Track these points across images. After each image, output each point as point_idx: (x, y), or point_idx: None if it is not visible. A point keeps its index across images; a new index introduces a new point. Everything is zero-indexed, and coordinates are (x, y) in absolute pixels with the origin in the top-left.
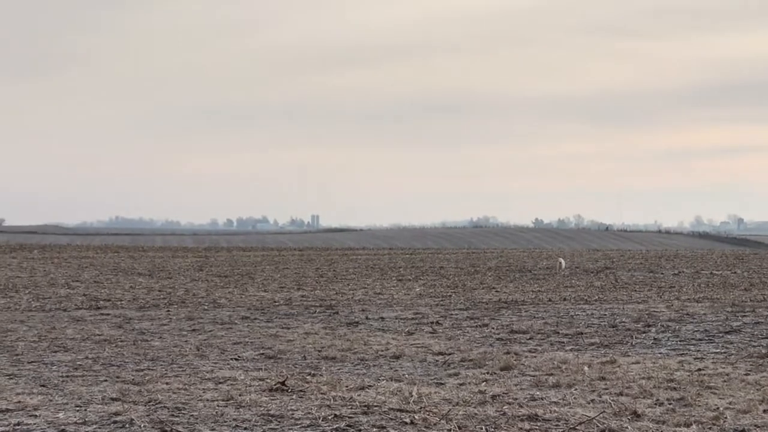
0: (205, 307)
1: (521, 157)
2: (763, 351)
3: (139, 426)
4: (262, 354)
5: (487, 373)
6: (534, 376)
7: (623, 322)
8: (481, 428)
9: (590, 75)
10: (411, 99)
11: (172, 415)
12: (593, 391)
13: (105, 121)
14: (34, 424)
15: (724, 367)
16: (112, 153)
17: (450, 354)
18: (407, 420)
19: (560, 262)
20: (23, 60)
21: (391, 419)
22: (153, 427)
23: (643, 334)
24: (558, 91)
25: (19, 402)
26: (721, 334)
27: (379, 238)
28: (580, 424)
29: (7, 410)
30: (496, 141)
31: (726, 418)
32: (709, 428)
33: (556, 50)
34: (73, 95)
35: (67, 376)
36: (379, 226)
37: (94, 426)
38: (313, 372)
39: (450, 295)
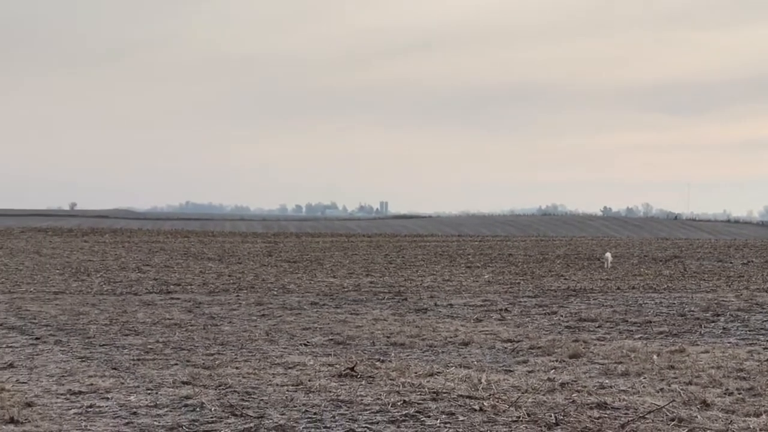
0: (275, 293)
1: (591, 145)
2: None
3: (210, 409)
4: (331, 340)
5: (556, 360)
6: (603, 364)
7: (692, 311)
8: (550, 416)
9: (662, 64)
10: (483, 86)
11: (242, 399)
12: (662, 380)
13: (177, 107)
14: (107, 406)
15: None
16: (184, 138)
17: (519, 341)
18: (476, 407)
19: (606, 257)
20: (96, 45)
21: (460, 406)
22: (223, 411)
23: (712, 324)
24: (629, 80)
25: (92, 384)
26: None
27: (448, 225)
28: (650, 413)
29: (80, 392)
30: (565, 129)
31: None
32: None
33: (627, 39)
34: (145, 80)
35: (139, 360)
36: (447, 213)
37: (166, 409)
38: (382, 358)
39: (519, 283)
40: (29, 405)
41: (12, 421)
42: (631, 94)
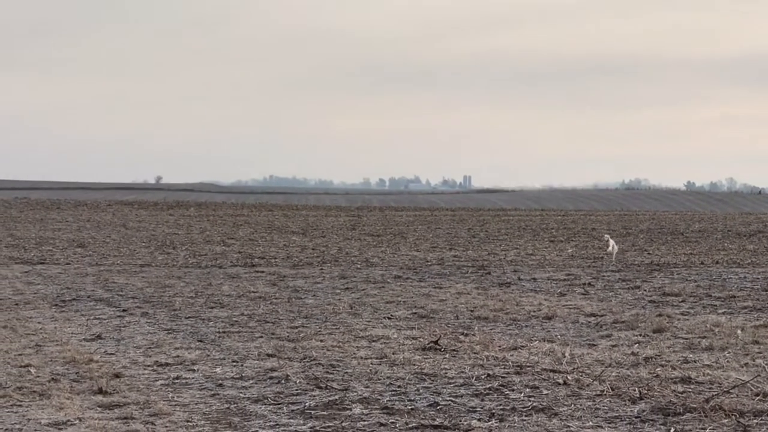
0: (358, 266)
1: (674, 119)
2: None
3: (295, 382)
4: (415, 313)
5: (640, 335)
6: (686, 338)
7: None
8: (634, 390)
9: (749, 36)
10: (567, 60)
11: (327, 372)
12: (746, 354)
13: (260, 80)
14: (193, 378)
15: None
16: (267, 112)
17: (602, 315)
18: (560, 380)
19: (608, 241)
20: (181, 17)
21: (544, 380)
22: (308, 383)
23: None
24: (715, 52)
25: (178, 356)
26: None
27: (531, 200)
28: (734, 387)
29: (167, 364)
30: (649, 102)
31: None
32: None
33: (714, 10)
34: (228, 53)
35: (224, 332)
36: (530, 187)
37: (251, 381)
38: (465, 331)
39: (602, 257)
40: (117, 376)
41: (101, 391)
42: (717, 66)
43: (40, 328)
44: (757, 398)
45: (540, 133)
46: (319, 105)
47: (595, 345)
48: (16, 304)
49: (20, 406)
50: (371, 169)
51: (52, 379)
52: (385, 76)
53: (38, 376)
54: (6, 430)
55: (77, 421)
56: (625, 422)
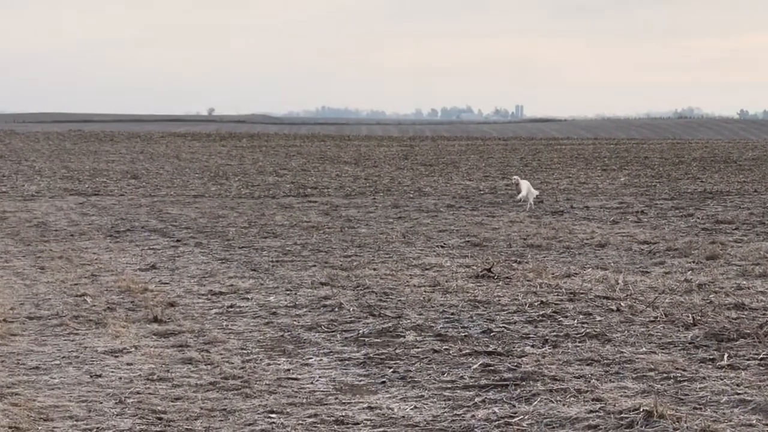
0: (411, 195)
1: (728, 47)
2: None
3: (348, 310)
4: (468, 241)
5: (693, 262)
6: (740, 265)
7: None
8: (688, 316)
9: None
10: None
11: (380, 300)
12: None
13: (312, 11)
14: (247, 306)
15: None
16: (320, 42)
17: (655, 243)
18: (613, 307)
19: (517, 184)
20: None
21: (597, 306)
22: (361, 311)
23: None
24: None
25: (232, 285)
26: None
27: (583, 129)
28: None
29: (221, 293)
30: (702, 31)
31: None
32: None
33: None
34: None
35: (277, 261)
36: (582, 116)
37: (304, 309)
38: (518, 259)
39: (654, 185)
40: (172, 305)
41: (156, 320)
42: None
43: (96, 259)
44: None
45: (592, 63)
46: (371, 35)
47: (648, 272)
48: (72, 235)
49: (77, 334)
50: (423, 99)
51: (108, 308)
52: (437, 6)
53: (94, 306)
54: (63, 358)
55: (133, 349)
56: (678, 348)
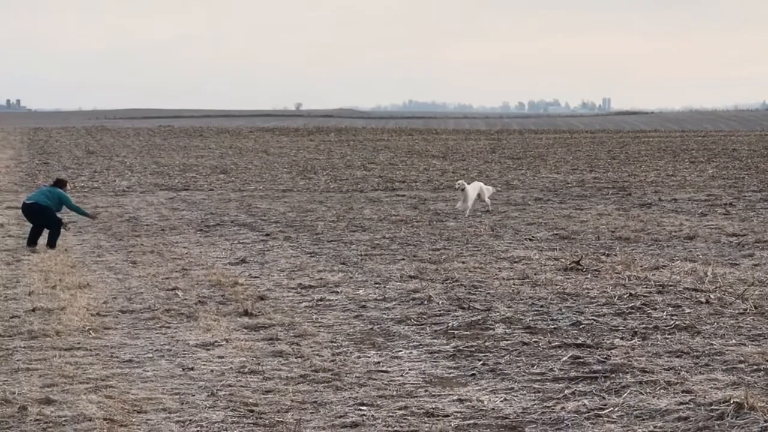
0: (499, 189)
1: None
2: None
3: (437, 303)
4: (556, 234)
5: None
6: None
7: None
8: None
9: None
10: None
11: (469, 293)
12: None
13: (399, 5)
14: (336, 299)
15: None
16: (407, 36)
17: (744, 235)
18: (702, 299)
19: (463, 189)
20: None
21: (686, 298)
22: (450, 304)
23: None
24: None
25: (321, 279)
26: None
27: (670, 121)
28: None
29: (310, 286)
30: None
31: None
32: None
33: None
34: None
35: (366, 255)
36: (670, 109)
37: (394, 302)
38: (606, 252)
39: (743, 177)
40: (262, 298)
41: (246, 313)
42: None
43: (186, 253)
44: None
45: (679, 55)
46: (459, 29)
47: (737, 264)
48: (162, 230)
49: (169, 327)
50: (510, 93)
51: (199, 301)
52: (525, 1)
53: (185, 299)
54: (156, 351)
55: (224, 342)
56: None
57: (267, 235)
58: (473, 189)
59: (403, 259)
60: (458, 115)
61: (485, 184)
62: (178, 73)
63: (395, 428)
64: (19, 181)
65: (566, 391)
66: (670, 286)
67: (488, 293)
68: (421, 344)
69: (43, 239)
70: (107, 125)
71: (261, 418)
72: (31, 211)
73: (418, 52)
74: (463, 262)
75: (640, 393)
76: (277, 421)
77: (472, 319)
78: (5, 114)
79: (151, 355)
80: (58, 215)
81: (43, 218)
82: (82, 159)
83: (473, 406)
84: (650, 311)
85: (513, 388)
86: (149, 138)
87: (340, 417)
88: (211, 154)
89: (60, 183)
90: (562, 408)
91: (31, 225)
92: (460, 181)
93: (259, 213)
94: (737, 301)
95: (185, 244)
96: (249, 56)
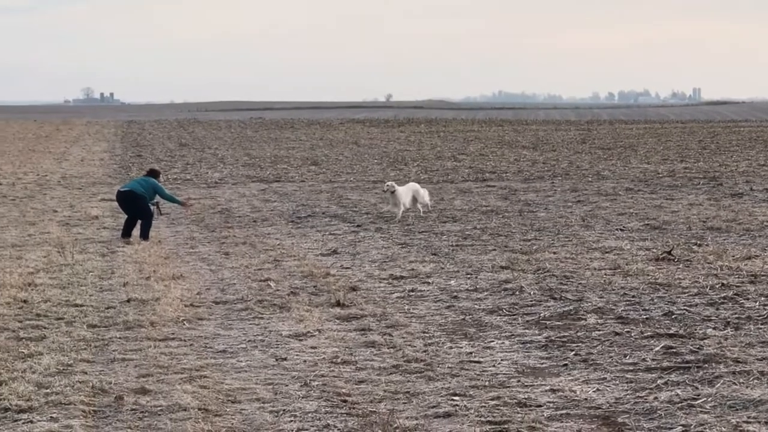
0: (589, 179)
1: None
2: None
3: (529, 293)
4: (647, 224)
5: None
6: None
7: None
8: None
9: None
10: None
11: (561, 283)
12: None
13: None
14: (428, 290)
15: None
16: (496, 27)
17: None
18: None
19: (392, 191)
20: None
21: None
22: (542, 295)
23: None
24: None
25: (413, 269)
26: None
27: (762, 111)
28: None
29: (402, 277)
30: None
31: None
32: None
33: None
34: None
35: (457, 245)
36: (761, 98)
37: (485, 293)
38: (698, 242)
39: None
40: (353, 289)
41: (338, 304)
42: None
43: (278, 244)
44: None
45: None
46: (548, 19)
47: None
48: (254, 221)
49: (262, 318)
50: (600, 83)
51: (291, 292)
52: None
53: (278, 290)
54: (249, 341)
55: (317, 333)
56: None
57: (358, 226)
58: (406, 192)
59: (494, 250)
60: (548, 106)
61: (422, 186)
62: (268, 66)
63: (488, 418)
64: (112, 173)
65: (659, 381)
66: (763, 276)
67: (580, 283)
68: (513, 334)
69: (136, 231)
70: (199, 118)
71: (354, 408)
72: (125, 199)
73: (507, 43)
74: (554, 253)
75: (733, 383)
76: (370, 411)
77: (564, 309)
78: (99, 107)
79: (244, 346)
80: (151, 207)
81: (136, 207)
82: (174, 151)
83: (565, 397)
84: (742, 301)
85: (605, 378)
86: (241, 130)
87: (433, 407)
88: (302, 146)
89: (153, 173)
90: (655, 398)
91: (125, 217)
92: (389, 183)
93: (350, 204)
94: None
95: (277, 235)
96: (339, 48)
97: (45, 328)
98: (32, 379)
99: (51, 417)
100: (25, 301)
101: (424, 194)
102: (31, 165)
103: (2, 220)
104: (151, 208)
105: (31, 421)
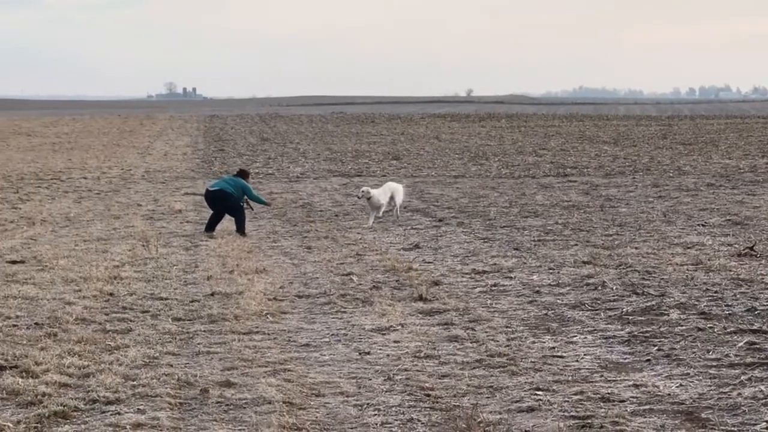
0: (670, 174)
1: None
2: None
3: (612, 288)
4: (729, 220)
5: None
6: None
7: None
8: None
9: None
10: None
11: (643, 279)
12: None
13: None
14: (510, 285)
15: None
16: (576, 22)
17: None
18: None
19: (367, 196)
20: None
21: None
22: (624, 290)
23: None
24: None
25: (495, 264)
26: None
27: None
28: None
29: (484, 272)
30: None
31: None
32: None
33: None
34: None
35: (539, 240)
36: None
37: (567, 288)
38: None
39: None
40: (436, 284)
41: (421, 298)
42: None
43: (360, 238)
44: None
45: None
46: (628, 14)
47: None
48: (336, 215)
49: (344, 312)
50: (681, 79)
51: (374, 286)
52: None
53: (360, 284)
54: (332, 335)
55: (399, 327)
56: None
57: (440, 220)
58: (384, 193)
59: (576, 245)
60: (628, 101)
61: (398, 182)
62: (349, 61)
63: (571, 413)
64: (195, 167)
65: (742, 377)
66: None
67: (662, 279)
68: (595, 329)
69: (220, 226)
70: (281, 112)
71: (437, 402)
72: (214, 197)
73: (588, 39)
74: (636, 248)
75: None
76: (454, 405)
77: (647, 304)
78: (182, 102)
79: (327, 340)
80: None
81: (225, 205)
82: (256, 146)
83: (649, 392)
84: None
85: (688, 373)
86: (322, 125)
87: (516, 401)
88: (383, 141)
89: (243, 174)
90: (739, 394)
91: (210, 212)
92: (364, 189)
93: (431, 199)
94: None
95: (359, 229)
96: (421, 43)
97: (131, 320)
98: (119, 371)
99: (138, 409)
100: (111, 294)
101: (398, 193)
102: (115, 159)
103: (88, 214)
104: (242, 205)
105: (119, 413)
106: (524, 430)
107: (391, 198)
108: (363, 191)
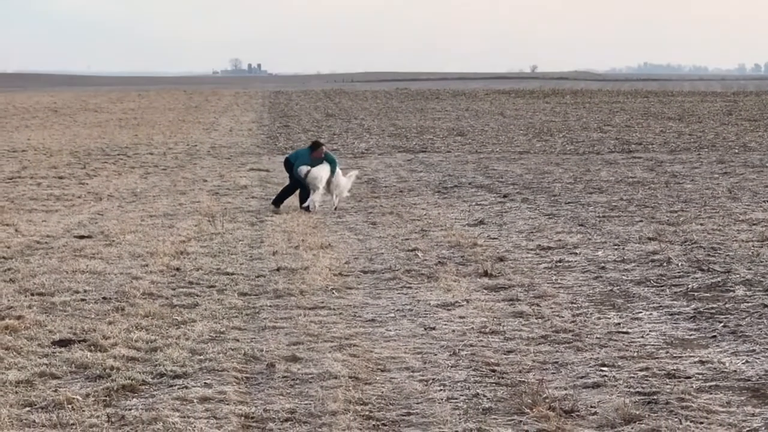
0: (736, 151)
1: None
2: None
3: (677, 264)
4: None
5: None
6: None
7: None
8: None
9: None
10: None
11: (708, 255)
12: None
13: None
14: (575, 261)
15: None
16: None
17: None
18: None
19: (311, 178)
20: None
21: None
22: (690, 266)
23: None
24: None
25: (560, 240)
26: None
27: None
28: None
29: (549, 248)
30: None
31: None
32: None
33: None
34: None
35: (604, 217)
36: None
37: (633, 264)
38: None
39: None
40: (501, 259)
41: (486, 274)
42: None
43: (424, 214)
44: None
45: None
46: None
47: None
48: (401, 191)
49: (409, 287)
50: (747, 55)
51: (439, 262)
52: None
53: (425, 260)
54: (398, 310)
55: (465, 303)
56: None
57: (504, 196)
58: (321, 171)
59: (641, 221)
60: (693, 77)
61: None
62: (414, 38)
63: (637, 389)
64: (260, 143)
65: None
66: None
67: (727, 255)
68: (661, 306)
69: (286, 201)
70: (345, 88)
71: (503, 377)
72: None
73: (654, 14)
74: (701, 224)
75: None
76: (519, 381)
77: (712, 281)
78: (248, 78)
79: (393, 315)
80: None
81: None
82: (321, 122)
83: (714, 368)
84: None
85: (755, 350)
86: (386, 101)
87: (582, 377)
88: (448, 117)
89: (316, 145)
90: None
91: (273, 187)
92: (302, 167)
93: (496, 175)
94: None
95: (423, 205)
96: (485, 19)
97: (197, 295)
98: (186, 346)
99: (205, 383)
100: (177, 269)
101: (343, 183)
102: (181, 135)
103: (154, 190)
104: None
105: (186, 387)
106: (590, 405)
107: (329, 183)
108: (303, 170)
